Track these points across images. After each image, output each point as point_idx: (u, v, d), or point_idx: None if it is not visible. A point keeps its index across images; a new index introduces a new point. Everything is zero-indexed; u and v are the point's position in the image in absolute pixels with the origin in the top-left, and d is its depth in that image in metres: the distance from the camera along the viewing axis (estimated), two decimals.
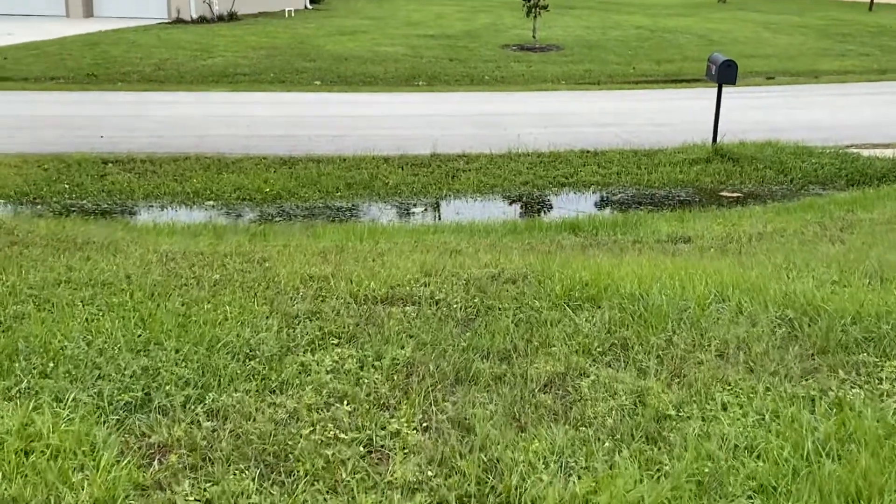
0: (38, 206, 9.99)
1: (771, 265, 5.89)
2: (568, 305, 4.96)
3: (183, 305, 4.98)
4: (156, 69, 19.92)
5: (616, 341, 4.41)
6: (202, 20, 28.35)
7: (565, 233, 8.25)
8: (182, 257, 6.44)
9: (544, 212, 10.02)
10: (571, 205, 10.40)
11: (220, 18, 28.93)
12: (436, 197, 10.65)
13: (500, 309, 4.94)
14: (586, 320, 4.70)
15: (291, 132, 13.37)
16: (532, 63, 21.69)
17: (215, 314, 4.79)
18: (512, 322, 4.70)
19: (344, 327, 4.64)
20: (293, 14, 30.95)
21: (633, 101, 16.71)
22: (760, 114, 14.72)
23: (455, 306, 5.02)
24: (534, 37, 24.19)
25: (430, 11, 32.41)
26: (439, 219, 9.88)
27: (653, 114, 15.22)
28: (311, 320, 4.78)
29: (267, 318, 4.78)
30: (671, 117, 14.84)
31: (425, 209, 10.28)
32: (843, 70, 20.92)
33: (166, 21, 28.25)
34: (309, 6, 34.46)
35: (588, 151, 12.17)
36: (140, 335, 4.44)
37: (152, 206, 10.18)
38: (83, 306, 4.94)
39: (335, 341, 4.44)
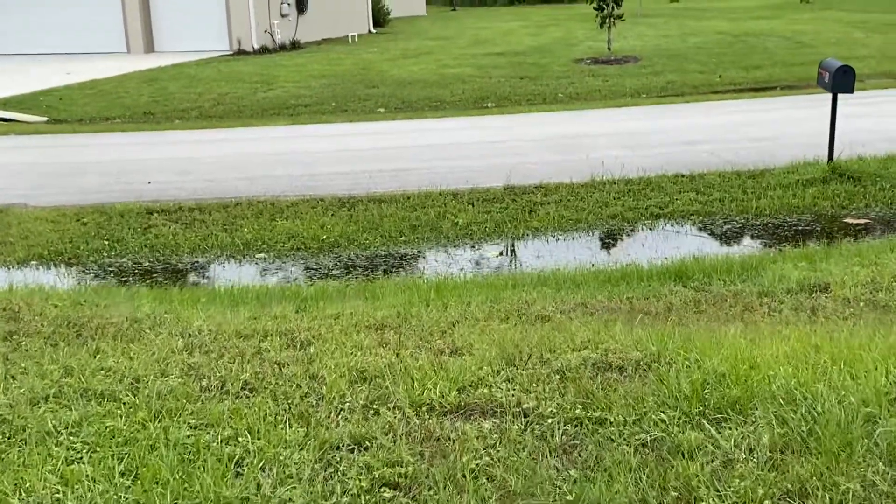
0: (73, 268, 8.99)
1: None
2: (705, 417, 3.65)
3: (194, 430, 3.81)
4: (214, 104, 19.09)
5: (789, 486, 3.08)
6: (264, 50, 27.61)
7: (670, 282, 6.89)
8: (212, 341, 5.29)
9: (640, 252, 8.66)
10: (670, 241, 9.04)
11: (283, 47, 28.17)
12: (512, 237, 9.38)
13: (612, 424, 3.66)
14: (736, 445, 3.39)
15: (351, 168, 12.24)
16: (608, 77, 20.32)
17: (232, 448, 3.59)
18: (632, 450, 3.41)
19: (400, 464, 3.41)
20: (356, 39, 30.08)
21: (724, 114, 15.23)
22: (871, 122, 13.14)
23: (550, 420, 3.75)
24: (609, 49, 22.83)
25: (497, 29, 31.24)
26: (517, 265, 8.60)
27: (749, 127, 13.73)
28: (357, 451, 3.56)
29: (300, 449, 3.58)
30: (771, 131, 13.34)
31: (500, 253, 9.01)
32: None
33: (228, 53, 27.56)
34: (373, 30, 33.61)
35: (683, 175, 10.78)
36: (128, 489, 3.27)
37: (197, 263, 9.11)
38: (67, 435, 3.80)
39: (388, 493, 3.20)
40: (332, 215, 10.09)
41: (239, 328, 5.60)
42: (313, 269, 8.73)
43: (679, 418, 3.66)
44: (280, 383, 4.38)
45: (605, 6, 22.66)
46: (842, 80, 9.74)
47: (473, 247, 9.17)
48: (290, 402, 4.12)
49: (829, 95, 10.52)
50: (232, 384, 4.41)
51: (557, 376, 4.26)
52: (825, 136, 10.56)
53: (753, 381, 3.94)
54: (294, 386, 4.34)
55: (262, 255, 9.16)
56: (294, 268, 8.81)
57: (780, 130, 13.31)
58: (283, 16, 28.49)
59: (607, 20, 22.63)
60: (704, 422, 3.61)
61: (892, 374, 3.97)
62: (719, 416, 3.66)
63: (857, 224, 8.96)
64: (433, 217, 9.85)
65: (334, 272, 8.57)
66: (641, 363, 4.38)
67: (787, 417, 3.57)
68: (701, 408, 3.73)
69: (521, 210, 10.00)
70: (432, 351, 4.91)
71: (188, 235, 9.71)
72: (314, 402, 4.11)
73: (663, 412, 3.70)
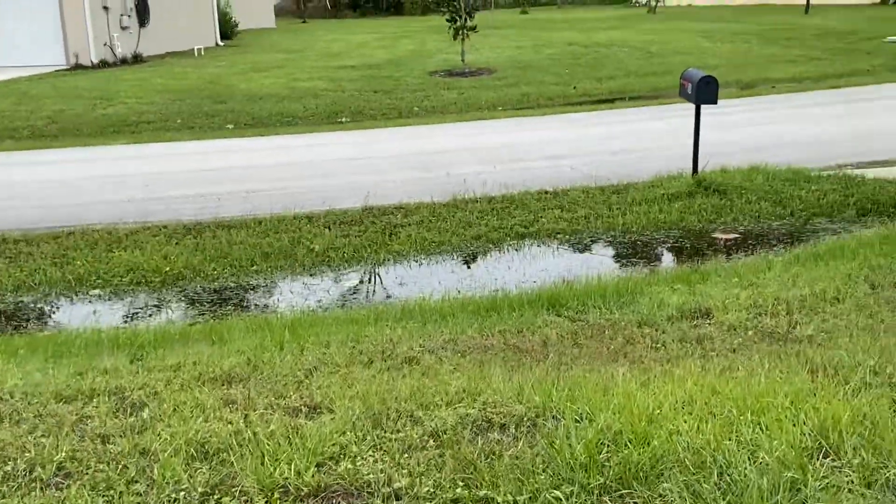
0: None
1: (865, 370, 4.14)
2: (608, 492, 3.14)
3: None
4: (49, 122, 17.80)
5: None
6: (104, 64, 26.16)
7: (543, 311, 6.43)
8: (27, 406, 4.49)
9: (508, 276, 8.20)
10: (537, 262, 8.62)
11: (124, 61, 26.77)
12: (372, 263, 8.78)
13: None
14: None
15: (198, 190, 11.41)
16: (464, 89, 20.00)
17: None
18: None
19: None
20: (203, 52, 28.90)
21: (584, 127, 15.04)
22: (730, 132, 13.13)
23: None
24: (463, 61, 22.53)
25: (350, 41, 30.61)
26: (379, 295, 8.00)
27: (610, 140, 13.55)
28: None
29: None
30: (632, 143, 13.19)
31: (360, 281, 8.40)
32: (799, 77, 19.57)
33: (65, 67, 25.97)
34: (220, 43, 32.43)
35: (547, 192, 10.41)
36: None
37: (21, 303, 8.14)
38: None
39: None
40: (177, 244, 9.28)
41: (60, 388, 4.81)
42: (154, 306, 7.91)
43: (577, 494, 3.13)
44: (102, 466, 3.65)
45: (457, 18, 22.36)
46: (705, 91, 9.55)
47: (331, 275, 8.52)
48: (113, 491, 3.41)
49: (687, 105, 10.35)
50: (43, 468, 3.65)
51: (433, 441, 3.69)
52: (686, 147, 10.38)
53: (654, 441, 3.45)
54: (119, 468, 3.62)
55: (96, 291, 8.28)
56: (133, 306, 7.96)
57: (640, 142, 13.17)
58: (123, 28, 27.09)
59: (460, 32, 22.33)
60: (607, 499, 3.09)
61: (804, 422, 3.56)
62: (623, 489, 3.15)
63: (727, 239, 8.74)
64: (287, 243, 9.16)
65: (178, 310, 7.78)
66: (526, 419, 3.86)
67: (700, 489, 3.09)
68: (601, 479, 3.21)
69: (381, 233, 9.43)
70: (287, 410, 4.26)
71: (12, 271, 8.72)
72: (143, 491, 3.41)
73: (558, 488, 3.17)
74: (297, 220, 9.84)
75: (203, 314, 7.60)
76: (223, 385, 4.82)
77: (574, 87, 19.70)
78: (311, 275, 8.52)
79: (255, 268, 8.66)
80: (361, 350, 5.55)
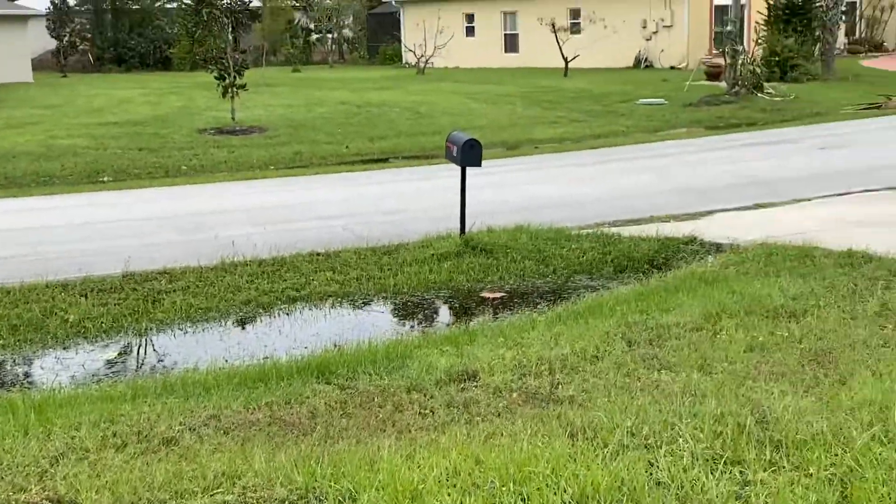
0: None
1: (622, 432, 4.24)
2: None
3: None
4: None
5: None
6: None
7: (313, 379, 6.25)
8: None
9: (278, 342, 7.98)
10: (309, 326, 8.46)
11: None
12: (133, 333, 8.32)
13: None
14: None
15: None
16: (234, 148, 19.65)
17: None
18: None
19: None
20: None
21: (355, 187, 15.07)
22: (496, 192, 13.49)
23: None
24: (233, 119, 22.16)
25: (113, 96, 29.49)
26: (139, 368, 7.58)
27: (381, 200, 13.61)
28: None
29: None
30: (402, 203, 13.31)
31: (119, 354, 7.93)
32: (560, 137, 20.50)
33: None
34: None
35: (319, 254, 10.28)
36: None
37: None
38: None
39: None
40: None
41: None
42: None
43: None
44: None
45: (226, 75, 22.03)
46: (469, 154, 9.76)
47: (87, 348, 8.00)
48: None
49: (457, 166, 10.53)
50: None
51: None
52: (455, 207, 10.54)
53: None
54: None
55: None
56: None
57: (411, 203, 13.31)
58: None
59: (230, 90, 22.00)
60: None
61: (565, 490, 3.59)
62: None
63: (495, 298, 8.90)
64: (38, 314, 8.54)
65: None
66: (287, 503, 3.69)
67: None
68: None
69: (144, 300, 8.97)
70: None
71: None
72: None
73: None
74: (50, 288, 9.22)
75: None
76: None
77: (346, 147, 19.78)
78: (64, 348, 7.98)
79: (0, 342, 8.01)
80: (115, 432, 5.19)
